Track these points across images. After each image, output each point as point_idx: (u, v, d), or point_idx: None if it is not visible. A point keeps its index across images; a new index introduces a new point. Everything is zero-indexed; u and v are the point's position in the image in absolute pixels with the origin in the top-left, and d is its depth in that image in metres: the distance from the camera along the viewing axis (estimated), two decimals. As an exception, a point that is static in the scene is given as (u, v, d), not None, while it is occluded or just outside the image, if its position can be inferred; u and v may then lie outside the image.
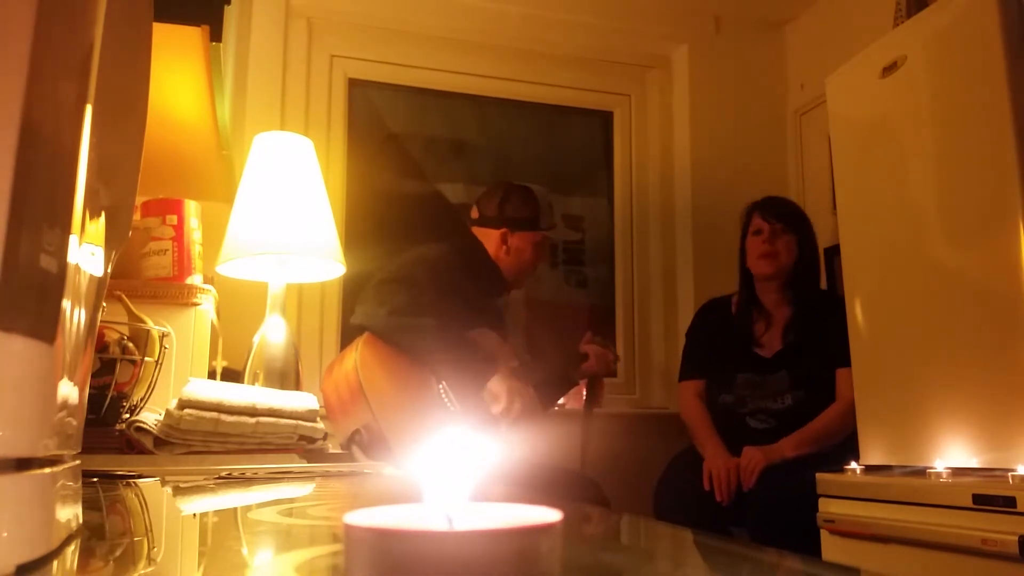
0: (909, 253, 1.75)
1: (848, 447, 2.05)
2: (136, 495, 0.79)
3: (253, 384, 1.68)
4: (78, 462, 0.46)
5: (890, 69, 1.80)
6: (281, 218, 1.72)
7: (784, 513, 1.88)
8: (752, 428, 2.16)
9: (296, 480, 0.94)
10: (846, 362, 2.08)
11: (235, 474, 0.95)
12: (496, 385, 1.85)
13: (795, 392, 2.15)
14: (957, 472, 1.54)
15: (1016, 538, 1.31)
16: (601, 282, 2.99)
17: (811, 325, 2.20)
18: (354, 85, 2.73)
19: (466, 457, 0.25)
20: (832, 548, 1.72)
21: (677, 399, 2.36)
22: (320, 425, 1.31)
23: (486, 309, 2.01)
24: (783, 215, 2.25)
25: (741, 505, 2.00)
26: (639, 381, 2.88)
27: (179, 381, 1.31)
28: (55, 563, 0.35)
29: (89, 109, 0.37)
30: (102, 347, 1.19)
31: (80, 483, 0.46)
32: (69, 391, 0.39)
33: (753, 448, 2.04)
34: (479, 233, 2.11)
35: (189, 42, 1.29)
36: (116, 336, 1.23)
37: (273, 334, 1.76)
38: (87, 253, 0.43)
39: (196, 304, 1.54)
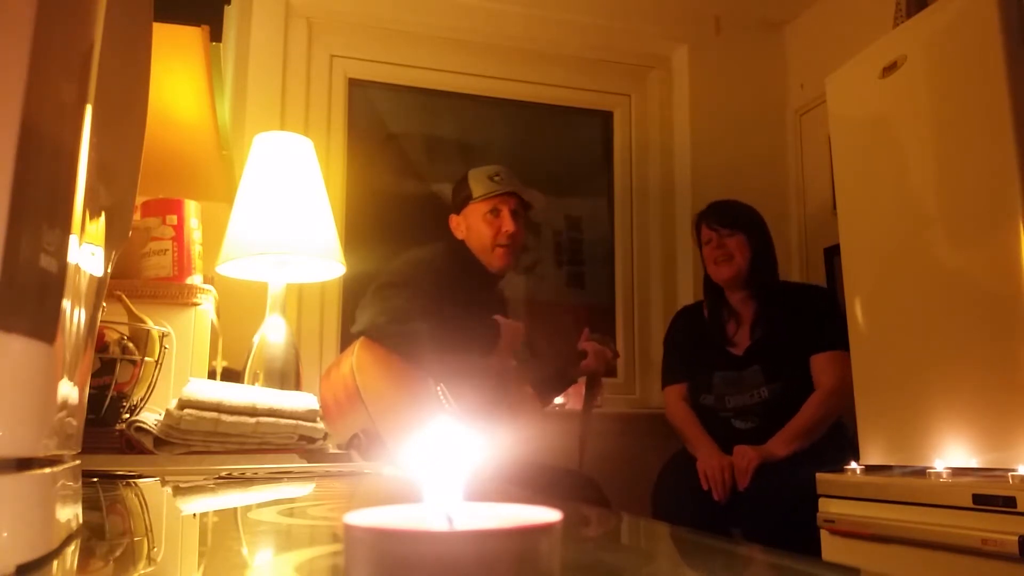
0: (909, 253, 1.75)
1: (838, 443, 2.06)
2: (136, 495, 0.79)
3: (253, 384, 1.68)
4: (78, 462, 0.46)
5: (890, 69, 1.80)
6: (281, 218, 1.72)
7: (780, 512, 1.88)
8: (738, 428, 2.17)
9: (296, 480, 0.94)
10: (819, 348, 2.10)
11: (235, 474, 0.95)
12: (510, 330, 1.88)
13: (769, 385, 2.17)
14: (957, 472, 1.54)
15: (1016, 538, 1.31)
16: (601, 282, 2.99)
17: (775, 317, 2.22)
18: (354, 85, 2.73)
19: (460, 451, 0.25)
20: (832, 548, 1.71)
21: (664, 405, 2.37)
22: (320, 425, 1.31)
23: (485, 303, 2.01)
24: (726, 219, 2.27)
25: (737, 505, 2.00)
26: (639, 381, 2.88)
27: (179, 381, 1.31)
28: (55, 563, 0.35)
29: (89, 109, 0.37)
30: (102, 347, 1.19)
31: (80, 483, 0.46)
32: (69, 391, 0.39)
33: (746, 447, 2.04)
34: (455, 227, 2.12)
35: (189, 42, 1.30)
36: (116, 336, 1.23)
37: (273, 334, 1.76)
38: (87, 253, 0.43)
39: (196, 304, 1.54)
